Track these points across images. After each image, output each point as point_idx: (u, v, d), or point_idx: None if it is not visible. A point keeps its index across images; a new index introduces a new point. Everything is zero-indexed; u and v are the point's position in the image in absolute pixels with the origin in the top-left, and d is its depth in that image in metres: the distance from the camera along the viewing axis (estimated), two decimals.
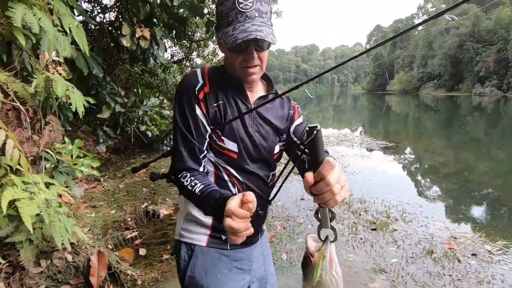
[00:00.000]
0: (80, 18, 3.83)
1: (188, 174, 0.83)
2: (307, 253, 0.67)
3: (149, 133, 5.39)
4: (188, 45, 8.31)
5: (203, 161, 0.88)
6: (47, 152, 1.97)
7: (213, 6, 5.37)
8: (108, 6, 4.87)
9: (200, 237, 0.93)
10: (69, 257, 1.95)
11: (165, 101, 6.83)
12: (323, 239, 0.66)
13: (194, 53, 8.86)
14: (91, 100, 2.15)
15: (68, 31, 1.70)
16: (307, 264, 0.67)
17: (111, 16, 5.04)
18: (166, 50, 4.99)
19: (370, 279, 2.24)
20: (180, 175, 0.84)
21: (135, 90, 5.14)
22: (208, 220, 0.92)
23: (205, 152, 0.88)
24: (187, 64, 8.75)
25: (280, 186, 0.89)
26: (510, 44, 33.48)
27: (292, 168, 0.82)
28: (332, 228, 0.65)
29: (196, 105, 0.86)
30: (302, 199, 3.81)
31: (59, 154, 2.10)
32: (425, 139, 9.03)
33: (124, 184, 4.09)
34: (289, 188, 4.06)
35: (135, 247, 2.57)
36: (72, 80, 2.24)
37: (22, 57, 1.71)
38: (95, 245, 2.14)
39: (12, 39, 1.56)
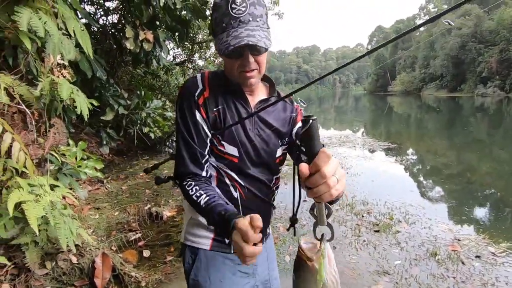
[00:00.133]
0: (84, 20, 3.86)
1: (193, 183, 0.84)
2: (303, 256, 0.64)
3: (152, 135, 5.40)
4: (190, 47, 8.34)
5: (205, 166, 0.88)
6: (52, 155, 1.98)
7: None
8: (111, 8, 4.91)
9: (204, 241, 0.93)
10: (74, 259, 1.96)
11: (167, 102, 6.83)
12: (319, 237, 0.63)
13: (196, 55, 8.89)
14: (95, 102, 2.17)
15: (72, 34, 1.71)
16: (303, 267, 0.63)
17: (113, 18, 5.08)
18: (169, 52, 5.01)
19: (374, 281, 2.24)
20: (185, 183, 0.85)
21: (138, 92, 5.16)
22: None
23: (207, 156, 0.89)
24: (189, 66, 8.78)
25: (299, 203, 0.97)
26: None
27: (295, 169, 0.83)
28: (329, 225, 0.62)
29: (196, 111, 0.86)
30: (304, 200, 3.80)
31: (63, 156, 2.11)
32: (427, 140, 8.99)
33: (127, 186, 4.10)
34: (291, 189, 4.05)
35: (139, 249, 2.57)
36: (76, 82, 2.26)
37: (27, 61, 1.73)
38: (100, 246, 2.15)
39: (18, 43, 1.57)
